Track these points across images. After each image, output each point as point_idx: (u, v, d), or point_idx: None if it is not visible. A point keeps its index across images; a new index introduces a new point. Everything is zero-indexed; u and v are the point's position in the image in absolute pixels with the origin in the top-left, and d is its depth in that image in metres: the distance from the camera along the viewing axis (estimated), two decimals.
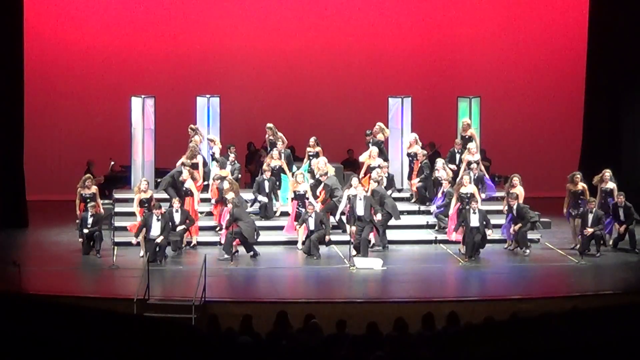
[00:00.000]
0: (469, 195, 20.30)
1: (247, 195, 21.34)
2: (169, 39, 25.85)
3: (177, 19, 25.90)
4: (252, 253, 19.60)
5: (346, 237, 19.71)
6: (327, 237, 19.89)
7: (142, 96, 22.92)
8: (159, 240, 19.14)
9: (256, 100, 25.60)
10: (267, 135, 22.33)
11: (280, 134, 22.10)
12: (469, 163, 21.57)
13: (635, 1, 23.33)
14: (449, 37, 26.43)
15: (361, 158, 21.86)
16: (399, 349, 11.60)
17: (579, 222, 20.20)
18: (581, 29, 24.59)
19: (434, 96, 25.38)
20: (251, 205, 21.22)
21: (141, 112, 22.82)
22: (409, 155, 22.08)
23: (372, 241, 20.20)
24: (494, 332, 10.63)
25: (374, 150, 21.54)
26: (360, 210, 19.62)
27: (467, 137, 22.24)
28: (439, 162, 21.51)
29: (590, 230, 19.84)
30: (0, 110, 22.21)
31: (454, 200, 20.58)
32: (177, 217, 19.85)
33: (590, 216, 19.96)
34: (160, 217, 19.38)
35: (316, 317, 13.40)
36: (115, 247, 19.71)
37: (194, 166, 21.28)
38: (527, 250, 20.02)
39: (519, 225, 19.98)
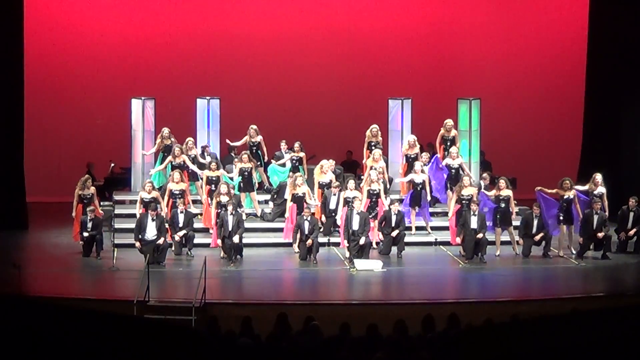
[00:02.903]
0: (469, 197, 20.31)
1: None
2: (169, 40, 25.84)
3: (177, 20, 25.89)
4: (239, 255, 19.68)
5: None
6: (309, 241, 19.77)
7: (142, 98, 22.93)
8: (160, 241, 19.18)
9: (256, 102, 25.58)
10: (251, 138, 22.32)
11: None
12: (448, 167, 21.55)
13: (635, 1, 23.33)
14: (449, 38, 26.42)
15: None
16: (399, 351, 11.60)
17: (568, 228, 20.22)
18: (581, 29, 24.59)
19: (434, 98, 25.36)
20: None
21: (141, 114, 22.82)
22: (407, 157, 22.00)
23: (373, 244, 20.21)
24: (494, 334, 10.62)
25: (376, 152, 21.50)
26: (355, 225, 19.59)
27: (451, 138, 22.20)
28: (417, 164, 21.42)
29: (600, 234, 19.81)
30: (1, 111, 22.21)
31: (453, 202, 20.61)
32: (180, 218, 19.85)
33: (596, 217, 19.92)
34: (155, 218, 19.38)
35: (316, 319, 13.39)
36: (115, 249, 19.72)
37: (183, 166, 21.25)
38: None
39: (542, 234, 20.01)
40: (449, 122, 22.28)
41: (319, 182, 20.99)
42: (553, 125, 26.44)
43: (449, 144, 22.08)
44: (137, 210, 20.01)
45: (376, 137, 22.08)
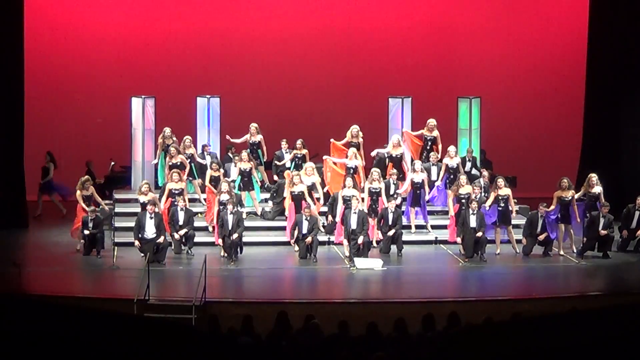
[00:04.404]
0: (467, 195, 20.31)
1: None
2: (169, 39, 25.86)
3: (177, 19, 25.91)
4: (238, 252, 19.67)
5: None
6: (308, 239, 19.77)
7: (142, 96, 22.94)
8: (159, 240, 19.18)
9: (256, 100, 25.60)
10: (251, 136, 22.34)
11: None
12: (447, 168, 21.54)
13: (635, 1, 23.34)
14: (450, 37, 26.44)
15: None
16: (399, 350, 11.61)
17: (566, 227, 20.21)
18: (581, 29, 24.60)
19: (434, 96, 25.38)
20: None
21: (141, 113, 22.84)
22: (391, 157, 21.93)
23: (374, 243, 20.21)
24: (494, 332, 10.63)
25: (350, 151, 21.50)
26: (353, 224, 19.60)
27: (432, 138, 22.16)
28: (417, 164, 21.44)
29: (603, 232, 19.79)
30: (0, 110, 22.21)
31: (451, 202, 20.62)
32: (181, 216, 19.84)
33: (602, 220, 19.88)
34: (153, 216, 19.38)
35: (316, 317, 13.40)
36: (116, 248, 19.73)
37: (181, 166, 21.22)
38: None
39: (545, 234, 20.01)
40: (432, 121, 22.29)
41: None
42: (553, 124, 26.46)
43: (429, 143, 22.09)
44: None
45: (356, 138, 22.04)
